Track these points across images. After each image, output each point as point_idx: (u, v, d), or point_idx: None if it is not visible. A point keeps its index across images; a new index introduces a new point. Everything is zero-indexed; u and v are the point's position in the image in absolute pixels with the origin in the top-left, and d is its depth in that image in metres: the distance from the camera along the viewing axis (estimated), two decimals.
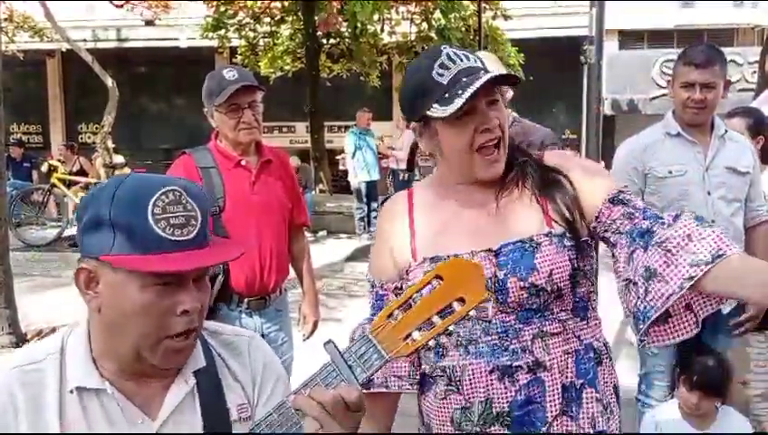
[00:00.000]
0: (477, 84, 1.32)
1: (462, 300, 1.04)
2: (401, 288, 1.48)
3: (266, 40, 13.24)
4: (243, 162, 2.66)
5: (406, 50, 12.69)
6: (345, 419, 1.03)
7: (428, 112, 1.38)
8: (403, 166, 9.25)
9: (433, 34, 11.92)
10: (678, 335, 1.37)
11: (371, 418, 1.50)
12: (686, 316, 1.36)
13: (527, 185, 1.46)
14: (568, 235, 1.41)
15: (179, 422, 1.17)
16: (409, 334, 1.04)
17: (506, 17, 12.41)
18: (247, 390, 1.24)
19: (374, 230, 1.69)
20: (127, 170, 10.15)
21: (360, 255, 8.30)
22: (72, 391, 1.13)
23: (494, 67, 2.18)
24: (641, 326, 1.35)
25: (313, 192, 11.17)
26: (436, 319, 1.04)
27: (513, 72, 1.56)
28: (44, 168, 10.87)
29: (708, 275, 1.27)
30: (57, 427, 1.11)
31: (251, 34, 13.20)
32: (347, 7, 10.69)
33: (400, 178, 10.04)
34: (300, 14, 12.34)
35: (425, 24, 12.26)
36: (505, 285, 1.38)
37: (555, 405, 1.40)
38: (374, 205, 9.45)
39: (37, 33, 14.13)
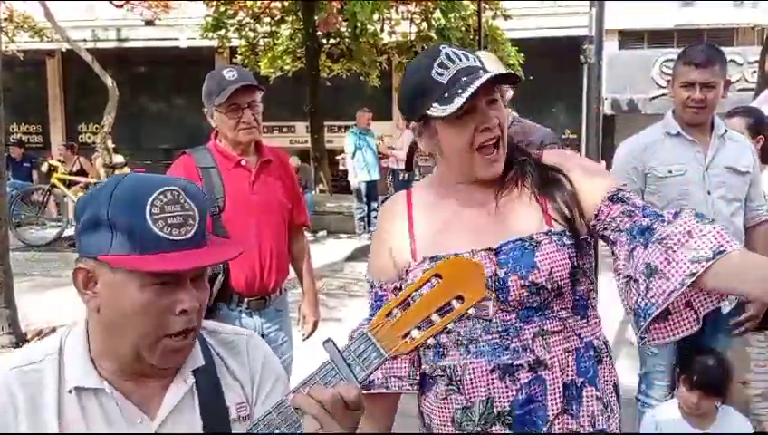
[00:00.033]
0: (478, 83, 1.32)
1: (461, 298, 1.04)
2: (401, 288, 1.48)
3: (266, 40, 13.24)
4: (242, 162, 2.66)
5: (406, 50, 12.69)
6: (344, 417, 1.02)
7: (428, 112, 1.38)
8: (403, 166, 9.25)
9: (433, 34, 11.92)
10: (679, 332, 1.37)
11: (371, 418, 1.50)
12: (686, 313, 1.36)
13: (526, 184, 1.46)
14: (567, 233, 1.41)
15: (178, 422, 1.17)
16: (408, 333, 1.04)
17: (506, 17, 12.41)
18: (246, 388, 1.24)
19: (374, 230, 1.69)
20: (127, 170, 10.15)
21: (360, 255, 8.30)
22: (70, 391, 1.13)
23: (494, 66, 2.18)
24: (642, 323, 1.35)
25: (313, 192, 11.17)
26: (435, 317, 1.04)
27: (512, 72, 1.56)
28: (44, 168, 10.87)
29: (709, 272, 1.27)
30: (56, 427, 1.11)
31: (251, 34, 13.20)
32: (347, 7, 10.69)
33: (400, 178, 10.04)
34: (300, 14, 12.34)
35: (425, 24, 12.25)
36: (506, 284, 1.38)
37: (556, 404, 1.40)
38: (374, 205, 9.45)
39: (37, 33, 14.12)
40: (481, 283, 1.06)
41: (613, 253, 1.43)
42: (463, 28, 12.11)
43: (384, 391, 1.50)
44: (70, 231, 9.19)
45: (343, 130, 12.55)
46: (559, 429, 1.40)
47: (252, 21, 13.01)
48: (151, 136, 17.07)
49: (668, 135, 2.80)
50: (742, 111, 3.33)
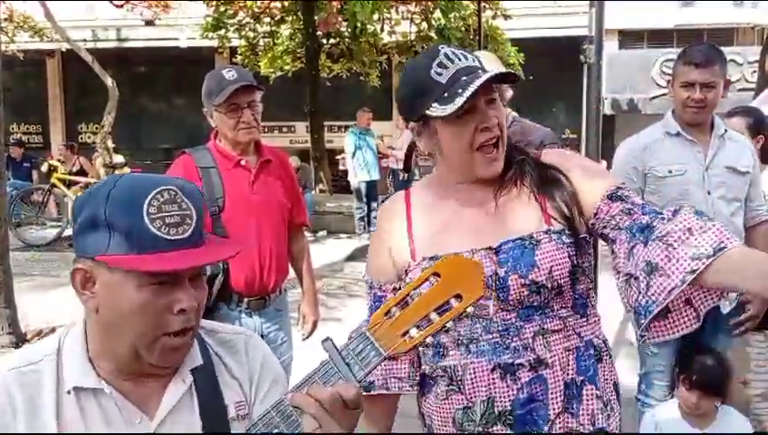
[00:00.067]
0: (478, 83, 1.32)
1: (459, 297, 1.04)
2: (400, 289, 1.48)
3: (266, 40, 13.25)
4: (242, 162, 2.66)
5: (406, 49, 12.69)
6: (343, 416, 1.02)
7: (428, 112, 1.38)
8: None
9: (433, 34, 11.93)
10: (679, 330, 1.37)
11: (371, 418, 1.50)
12: (685, 311, 1.37)
13: (525, 183, 1.47)
14: (567, 232, 1.41)
15: (177, 421, 1.16)
16: (407, 332, 1.03)
17: (506, 17, 12.42)
18: (245, 387, 1.24)
19: (374, 230, 1.69)
20: (127, 170, 10.15)
21: (360, 254, 8.30)
22: (69, 392, 1.13)
23: (494, 66, 2.18)
24: (642, 321, 1.35)
25: (313, 192, 11.17)
26: (433, 316, 1.04)
27: (512, 71, 1.56)
28: (44, 168, 10.87)
29: (710, 269, 1.27)
30: (54, 427, 1.10)
31: (251, 34, 13.20)
32: (347, 7, 10.69)
33: (400, 178, 10.04)
34: (300, 13, 12.34)
35: (425, 24, 12.26)
36: (506, 283, 1.38)
37: (558, 402, 1.40)
38: (374, 205, 9.44)
39: (37, 33, 14.13)
40: (479, 281, 1.05)
41: (612, 251, 1.43)
42: (463, 28, 12.12)
43: (384, 392, 1.50)
44: (70, 231, 9.17)
45: (343, 130, 12.54)
46: (560, 427, 1.40)
47: (252, 21, 13.02)
48: (151, 136, 17.08)
49: (668, 135, 2.80)
50: (742, 111, 3.33)
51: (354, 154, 9.41)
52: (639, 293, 1.34)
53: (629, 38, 14.66)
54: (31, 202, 10.35)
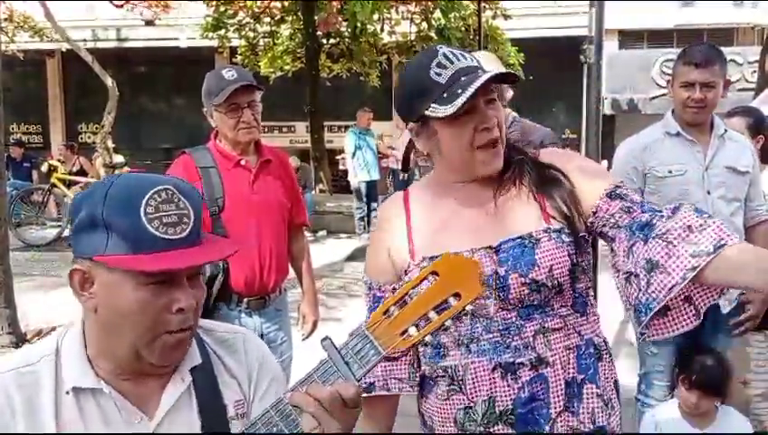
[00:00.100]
0: (478, 83, 1.32)
1: (458, 295, 1.04)
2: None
3: (266, 40, 13.25)
4: (242, 162, 2.66)
5: (406, 50, 12.69)
6: (342, 415, 1.02)
7: (427, 112, 1.38)
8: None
9: (433, 34, 11.93)
10: (679, 328, 1.37)
11: (372, 419, 1.50)
12: (685, 309, 1.37)
13: (524, 182, 1.46)
14: (566, 230, 1.41)
15: (176, 421, 1.16)
16: (406, 330, 1.03)
17: (506, 17, 12.42)
18: (243, 386, 1.24)
19: (374, 230, 1.68)
20: (127, 170, 10.16)
21: (360, 254, 8.29)
22: (68, 392, 1.12)
23: (493, 66, 2.18)
24: (642, 319, 1.35)
25: (313, 192, 11.17)
26: (432, 315, 1.03)
27: (511, 71, 1.56)
28: (44, 168, 10.88)
29: (710, 266, 1.27)
30: (53, 428, 1.10)
31: (251, 34, 13.20)
32: (347, 7, 10.69)
33: (400, 178, 10.04)
34: (300, 13, 12.34)
35: (425, 24, 12.26)
36: (507, 282, 1.38)
37: (559, 401, 1.40)
38: (374, 205, 9.44)
39: (37, 33, 14.14)
40: (477, 280, 1.05)
41: (612, 250, 1.43)
42: (463, 28, 12.12)
43: (384, 393, 1.49)
44: (69, 231, 9.18)
45: (343, 129, 12.54)
46: (561, 426, 1.40)
47: (252, 21, 13.02)
48: (151, 136, 17.08)
49: (668, 135, 2.80)
50: (742, 111, 3.33)
51: (354, 154, 9.41)
52: (639, 290, 1.34)
53: (629, 38, 14.67)
54: (31, 202, 10.36)
